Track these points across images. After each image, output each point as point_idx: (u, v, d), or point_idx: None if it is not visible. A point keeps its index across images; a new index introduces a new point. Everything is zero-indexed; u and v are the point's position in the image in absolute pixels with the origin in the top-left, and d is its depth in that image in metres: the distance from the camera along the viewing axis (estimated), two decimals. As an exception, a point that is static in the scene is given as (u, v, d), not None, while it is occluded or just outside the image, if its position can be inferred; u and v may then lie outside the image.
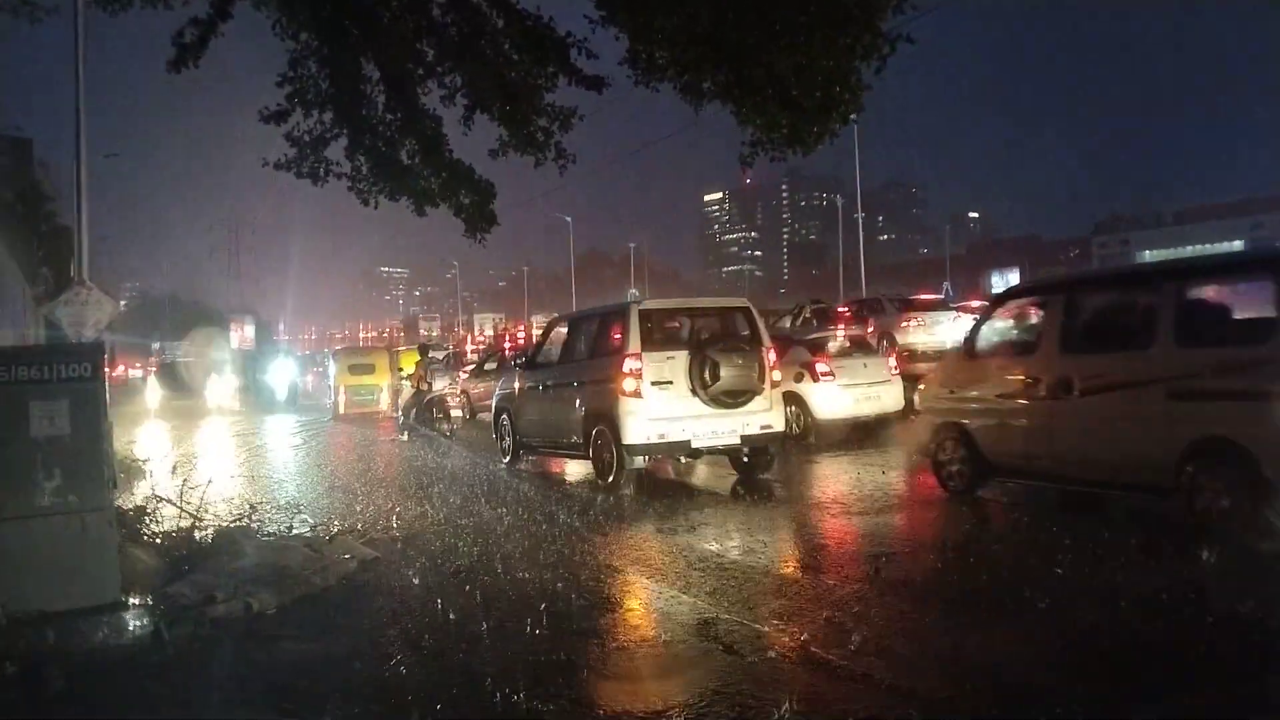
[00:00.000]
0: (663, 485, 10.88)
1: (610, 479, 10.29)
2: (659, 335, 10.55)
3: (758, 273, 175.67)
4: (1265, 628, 4.73)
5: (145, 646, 5.15)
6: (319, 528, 8.09)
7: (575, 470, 11.83)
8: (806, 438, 14.08)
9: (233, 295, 76.42)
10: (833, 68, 6.51)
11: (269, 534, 7.59)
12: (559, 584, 6.04)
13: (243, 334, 55.93)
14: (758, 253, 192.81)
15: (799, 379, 14.53)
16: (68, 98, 12.90)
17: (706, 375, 10.08)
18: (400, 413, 19.10)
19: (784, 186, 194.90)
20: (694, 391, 10.16)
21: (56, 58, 15.11)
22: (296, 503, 9.66)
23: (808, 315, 24.67)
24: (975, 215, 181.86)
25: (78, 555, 5.57)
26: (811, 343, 15.82)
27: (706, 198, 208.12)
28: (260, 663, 4.90)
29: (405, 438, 17.43)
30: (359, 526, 8.20)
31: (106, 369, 6.28)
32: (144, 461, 8.91)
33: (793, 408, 14.30)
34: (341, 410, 24.70)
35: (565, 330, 12.67)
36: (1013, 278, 64.99)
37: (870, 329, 21.83)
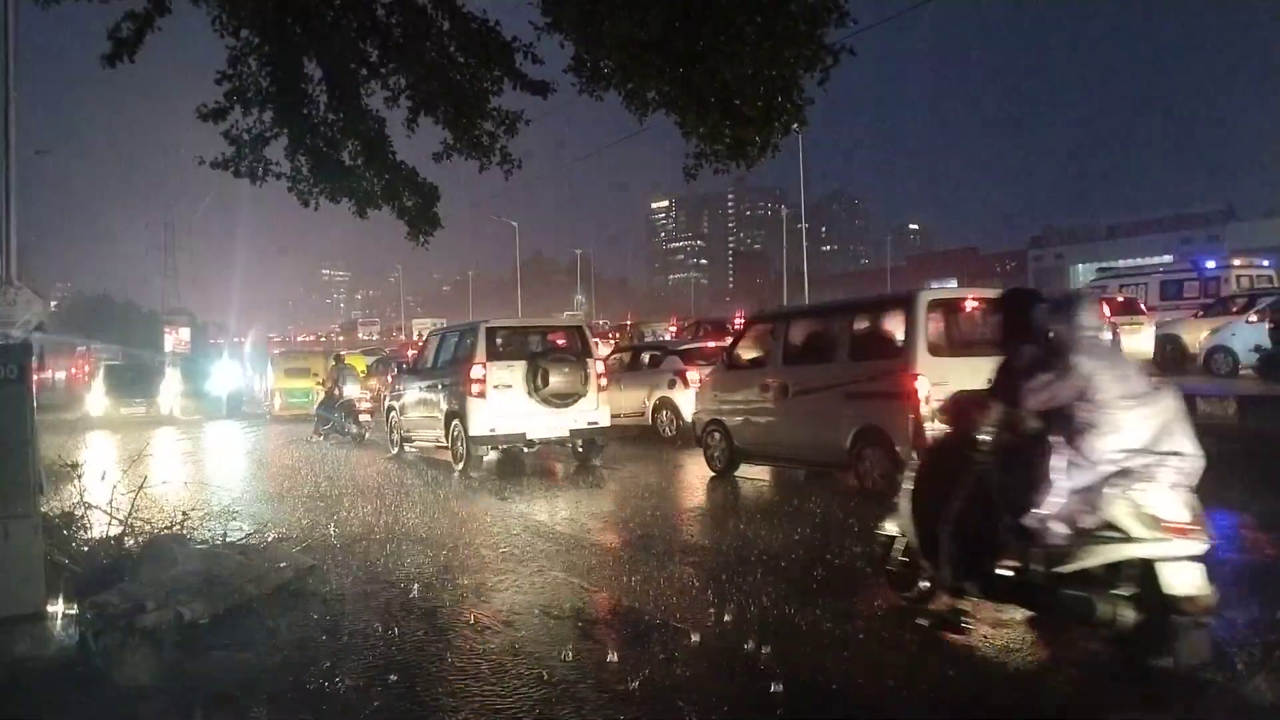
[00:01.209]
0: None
1: (462, 466, 12.71)
2: (503, 348, 12.91)
3: (703, 280, 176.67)
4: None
5: (71, 658, 5.02)
6: (253, 534, 7.94)
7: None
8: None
9: (169, 296, 74.43)
10: (776, 78, 6.59)
11: (202, 541, 7.42)
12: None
13: (178, 336, 54.65)
14: (703, 261, 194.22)
15: (671, 386, 16.04)
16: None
17: (539, 380, 12.44)
18: (315, 415, 19.91)
19: (730, 196, 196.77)
20: (530, 394, 12.50)
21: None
22: (230, 508, 9.46)
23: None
24: (915, 228, 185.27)
25: (0, 564, 5.38)
26: (683, 353, 17.44)
27: (653, 205, 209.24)
28: (192, 674, 4.79)
29: (321, 438, 18.40)
30: (295, 534, 8.07)
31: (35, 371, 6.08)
32: (73, 467, 8.64)
33: (666, 412, 16.11)
34: (277, 410, 25.58)
35: (437, 341, 14.83)
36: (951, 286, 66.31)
37: None
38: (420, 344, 18.95)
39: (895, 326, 9.56)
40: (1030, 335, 4.91)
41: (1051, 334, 4.77)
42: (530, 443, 12.76)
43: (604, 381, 13.27)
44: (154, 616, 5.39)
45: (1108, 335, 4.94)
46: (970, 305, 9.98)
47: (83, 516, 7.30)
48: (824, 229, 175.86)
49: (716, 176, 8.02)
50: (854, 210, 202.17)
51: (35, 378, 5.88)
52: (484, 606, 5.97)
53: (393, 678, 4.59)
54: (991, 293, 10.83)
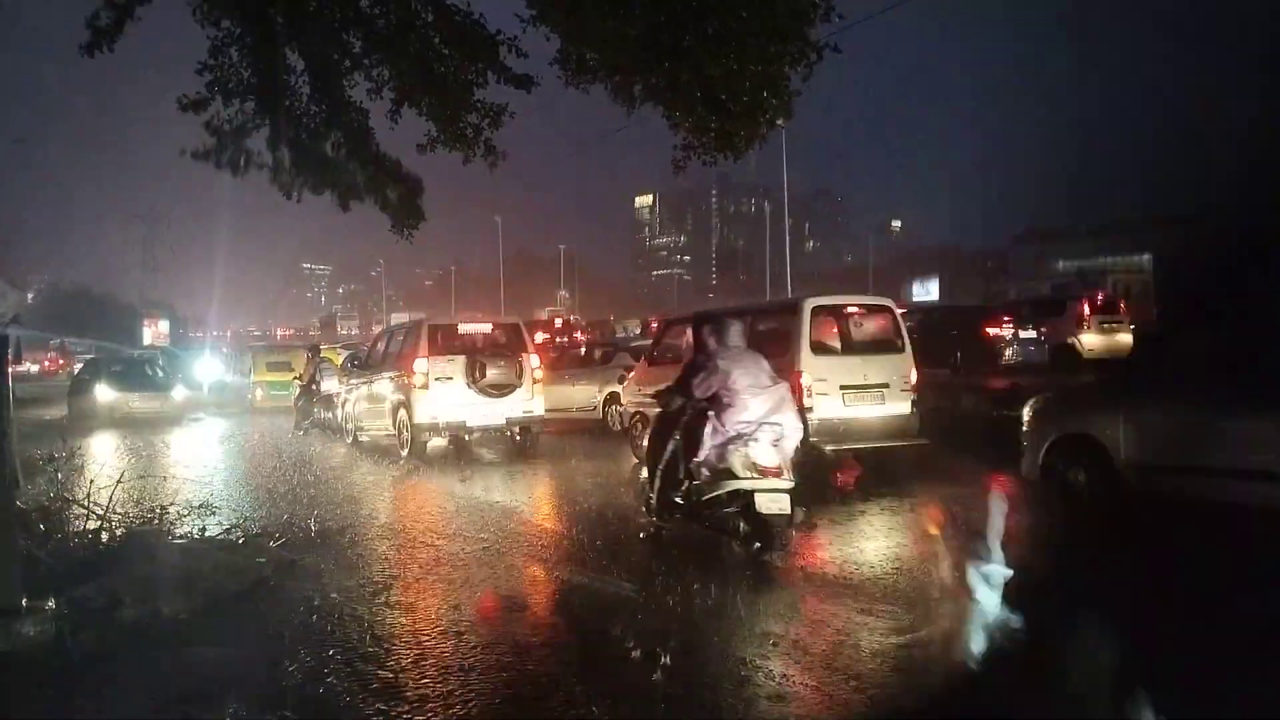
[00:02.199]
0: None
1: (407, 451, 13.56)
2: (445, 343, 13.81)
3: (686, 277, 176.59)
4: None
5: (48, 652, 4.93)
6: (232, 529, 7.87)
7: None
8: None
9: (147, 289, 73.86)
10: (761, 73, 6.58)
11: (181, 536, 7.35)
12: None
13: (157, 329, 54.35)
14: (686, 257, 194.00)
15: (620, 381, 16.43)
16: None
17: (477, 373, 13.35)
18: (296, 409, 20.09)
19: (713, 193, 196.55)
20: (469, 385, 13.36)
21: (-40, 38, 14.40)
22: (209, 503, 9.40)
23: None
24: (898, 225, 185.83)
25: (-26, 557, 5.29)
26: (633, 350, 18.31)
27: (637, 201, 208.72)
28: (170, 669, 4.74)
29: (303, 433, 18.69)
30: (273, 529, 8.01)
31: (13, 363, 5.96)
32: (50, 460, 8.55)
33: (615, 406, 16.65)
34: (258, 401, 26.12)
35: (386, 338, 16.05)
36: (932, 286, 66.51)
37: None
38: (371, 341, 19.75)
39: (785, 329, 10.87)
40: (700, 346, 7.45)
41: (709, 345, 7.24)
42: (470, 430, 13.77)
43: (539, 374, 14.24)
44: (132, 612, 5.33)
45: (745, 347, 7.46)
46: (850, 310, 11.56)
47: (60, 510, 7.21)
48: (807, 226, 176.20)
49: (701, 174, 8.08)
50: (837, 208, 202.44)
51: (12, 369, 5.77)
52: (455, 597, 6.04)
53: (374, 672, 4.56)
54: (869, 300, 12.75)
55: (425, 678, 4.55)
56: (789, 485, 6.77)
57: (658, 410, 7.68)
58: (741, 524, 6.77)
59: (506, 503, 10.18)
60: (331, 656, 4.85)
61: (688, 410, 7.09)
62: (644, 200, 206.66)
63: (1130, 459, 7.75)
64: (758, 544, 6.68)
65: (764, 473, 6.70)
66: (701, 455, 6.86)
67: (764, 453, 6.73)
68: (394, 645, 5.08)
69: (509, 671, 4.62)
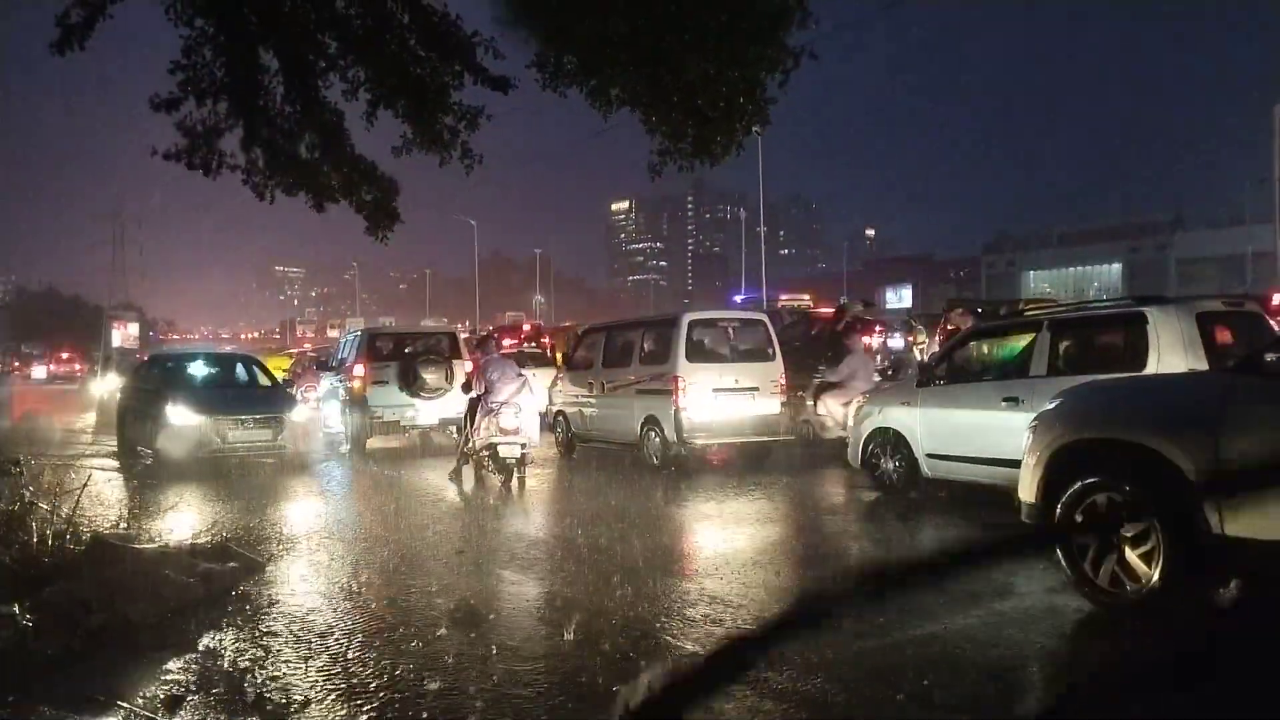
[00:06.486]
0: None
1: (349, 447, 15.25)
2: (384, 350, 15.92)
3: (662, 282, 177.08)
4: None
5: (11, 659, 4.85)
6: (201, 533, 7.77)
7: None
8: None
9: (117, 291, 72.80)
10: (738, 78, 6.59)
11: (148, 541, 7.24)
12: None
13: (126, 332, 53.68)
14: (663, 263, 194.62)
15: (554, 385, 17.51)
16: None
17: (410, 377, 14.86)
18: None
19: (689, 198, 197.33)
20: (403, 388, 14.93)
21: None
22: (177, 506, 9.28)
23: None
24: (871, 233, 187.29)
25: (-65, 562, 5.15)
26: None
27: (613, 206, 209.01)
28: (136, 675, 4.66)
29: None
30: (241, 533, 7.93)
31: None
32: (15, 464, 8.40)
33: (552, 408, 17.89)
34: None
35: (342, 344, 18.01)
36: (905, 293, 67.05)
37: None
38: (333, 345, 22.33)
39: (668, 338, 12.32)
40: (483, 353, 11.73)
41: (480, 354, 11.74)
42: (405, 428, 15.39)
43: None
44: (98, 617, 5.24)
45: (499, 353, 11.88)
46: (722, 323, 13.26)
47: (25, 515, 7.09)
48: (782, 232, 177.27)
49: (676, 179, 8.07)
50: (811, 214, 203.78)
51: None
52: (421, 598, 5.95)
53: (342, 676, 4.52)
54: (743, 314, 14.75)
55: (397, 680, 4.50)
56: (521, 440, 10.71)
57: (468, 398, 11.36)
58: (491, 463, 10.68)
59: (450, 497, 10.72)
60: (301, 660, 4.79)
61: (477, 395, 11.02)
62: (620, 205, 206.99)
63: (925, 448, 9.24)
64: (499, 476, 10.71)
65: (505, 432, 10.54)
66: (479, 423, 10.77)
67: (507, 420, 10.62)
68: (363, 648, 5.02)
69: (480, 671, 4.58)
